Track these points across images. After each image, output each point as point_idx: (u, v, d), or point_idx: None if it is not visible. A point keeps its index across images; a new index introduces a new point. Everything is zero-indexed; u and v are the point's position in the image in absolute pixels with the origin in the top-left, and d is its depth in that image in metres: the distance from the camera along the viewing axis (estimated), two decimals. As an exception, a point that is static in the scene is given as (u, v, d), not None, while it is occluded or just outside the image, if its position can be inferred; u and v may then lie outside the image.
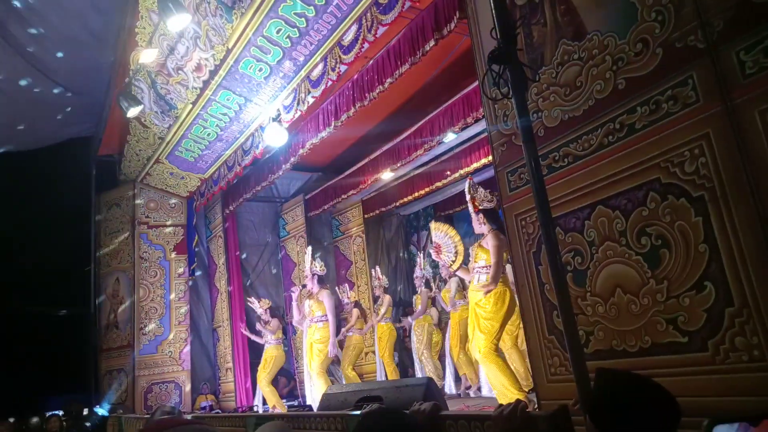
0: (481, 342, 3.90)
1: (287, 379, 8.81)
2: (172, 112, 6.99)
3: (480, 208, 4.21)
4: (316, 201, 9.33)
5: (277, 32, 5.31)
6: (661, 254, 2.23)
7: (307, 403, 6.59)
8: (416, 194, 8.90)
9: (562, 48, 2.71)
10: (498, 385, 3.86)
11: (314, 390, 6.11)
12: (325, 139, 6.56)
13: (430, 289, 7.50)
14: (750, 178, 1.98)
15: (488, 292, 3.92)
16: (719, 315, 2.04)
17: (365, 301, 8.87)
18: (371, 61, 5.48)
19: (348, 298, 7.73)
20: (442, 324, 7.66)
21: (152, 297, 8.47)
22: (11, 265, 9.65)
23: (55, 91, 7.07)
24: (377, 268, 8.16)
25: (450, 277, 6.70)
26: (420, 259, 7.69)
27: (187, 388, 8.38)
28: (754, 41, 1.99)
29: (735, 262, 2.01)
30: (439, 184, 8.39)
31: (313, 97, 5.73)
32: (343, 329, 7.48)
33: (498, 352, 3.98)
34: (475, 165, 7.41)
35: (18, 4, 5.64)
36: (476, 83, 5.03)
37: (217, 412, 7.86)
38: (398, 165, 7.67)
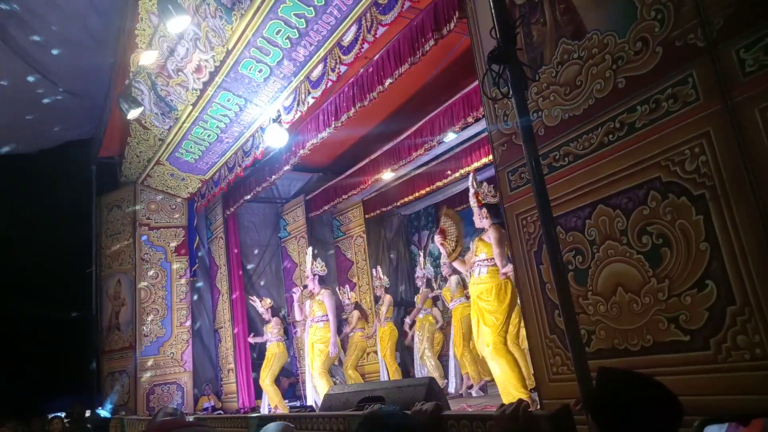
0: (488, 336, 3.89)
1: (288, 378, 8.82)
2: (173, 114, 7.00)
3: (483, 202, 4.23)
4: (316, 201, 9.33)
5: (277, 33, 5.31)
6: (662, 253, 2.23)
7: (309, 403, 6.59)
8: (417, 194, 8.90)
9: (561, 47, 2.71)
10: (504, 383, 3.84)
11: (316, 390, 6.12)
12: (325, 139, 6.57)
13: (432, 289, 7.51)
14: (750, 176, 1.98)
15: (505, 275, 3.93)
16: (721, 313, 2.04)
17: (366, 301, 8.88)
18: (371, 62, 5.48)
19: (348, 299, 7.74)
20: (444, 324, 7.66)
21: (153, 298, 8.47)
22: (13, 267, 9.66)
23: (56, 93, 7.08)
24: (378, 268, 8.16)
25: (450, 276, 6.71)
26: (421, 258, 7.69)
27: (189, 389, 8.39)
28: (754, 39, 1.99)
29: (736, 260, 2.01)
30: (439, 183, 8.40)
31: (313, 97, 5.73)
32: (345, 330, 7.49)
33: (507, 346, 3.96)
34: (476, 164, 7.41)
35: (18, 7, 5.65)
36: (476, 83, 5.03)
37: (220, 413, 7.86)
38: (399, 165, 7.67)
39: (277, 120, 6.28)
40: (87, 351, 8.63)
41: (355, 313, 7.48)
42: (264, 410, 7.30)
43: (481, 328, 3.98)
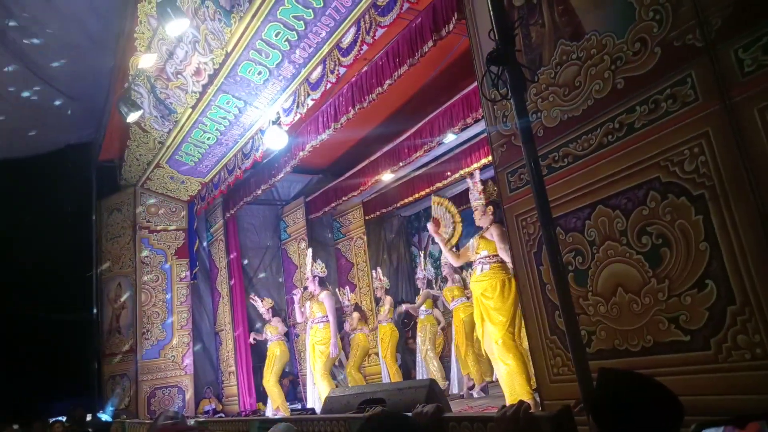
0: (496, 334, 3.87)
1: (287, 377, 8.82)
2: (172, 117, 7.00)
3: (489, 200, 4.25)
4: (316, 203, 9.34)
5: (276, 35, 5.32)
6: (662, 253, 2.23)
7: (310, 405, 6.59)
8: (417, 195, 8.90)
9: (560, 48, 2.71)
10: (511, 381, 3.81)
11: (318, 393, 6.11)
12: (325, 141, 6.57)
13: (432, 289, 7.51)
14: (750, 175, 1.98)
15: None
16: (721, 313, 2.04)
17: (367, 302, 8.88)
18: (370, 63, 5.49)
19: (348, 300, 7.74)
20: (445, 324, 7.65)
21: (154, 301, 8.47)
22: (14, 270, 9.66)
23: (55, 97, 7.09)
24: (378, 269, 8.16)
25: (450, 276, 6.71)
26: (421, 259, 7.68)
27: (190, 392, 8.38)
28: (752, 39, 1.99)
29: (736, 259, 2.01)
30: (439, 184, 8.40)
31: (312, 99, 5.73)
32: (345, 328, 7.49)
33: (516, 342, 3.93)
34: (475, 165, 7.40)
35: (17, 11, 5.66)
36: (475, 84, 5.04)
37: (221, 416, 7.86)
38: (398, 166, 7.68)
39: (277, 122, 6.28)
40: (88, 354, 8.63)
41: (356, 315, 7.48)
42: (269, 412, 7.30)
43: (487, 326, 3.96)
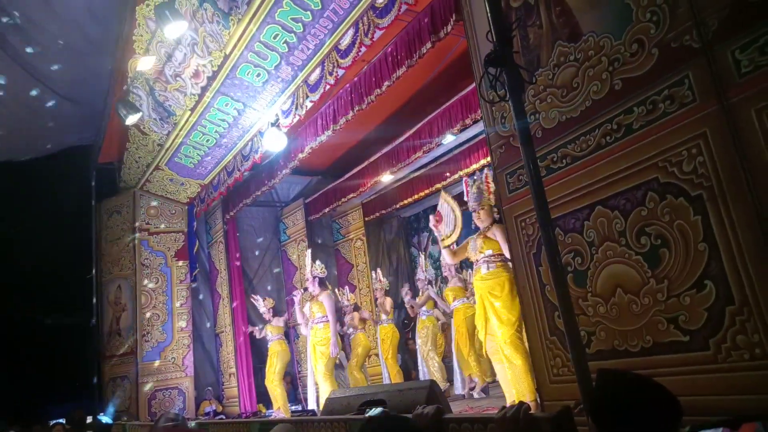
0: (505, 333, 3.85)
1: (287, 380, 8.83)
2: (171, 119, 7.01)
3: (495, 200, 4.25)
4: (316, 204, 9.34)
5: (274, 37, 5.32)
6: (661, 254, 2.23)
7: (311, 407, 6.59)
8: (416, 196, 8.92)
9: (558, 49, 2.72)
10: (518, 380, 3.79)
11: (320, 394, 6.12)
12: (324, 142, 6.58)
13: (433, 288, 7.50)
14: (747, 176, 1.99)
15: None
16: (720, 313, 2.05)
17: (368, 303, 8.88)
18: (369, 65, 5.50)
19: (348, 300, 7.74)
20: (445, 321, 7.63)
21: (154, 303, 8.48)
22: (13, 272, 9.65)
23: (54, 100, 7.09)
24: (378, 270, 8.16)
25: (451, 277, 6.70)
26: (422, 260, 7.68)
27: (191, 394, 8.39)
28: (749, 40, 2.00)
29: (734, 260, 2.02)
30: (438, 185, 8.40)
31: (311, 101, 5.74)
32: (345, 326, 7.49)
33: (523, 341, 3.89)
34: (474, 166, 7.42)
35: (16, 14, 5.66)
36: (474, 85, 5.04)
37: (221, 418, 7.86)
38: (398, 167, 7.69)
39: (276, 124, 6.29)
40: (88, 356, 8.63)
41: (356, 315, 7.49)
42: (274, 412, 7.30)
43: (493, 325, 3.95)
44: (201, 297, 9.42)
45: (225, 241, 9.11)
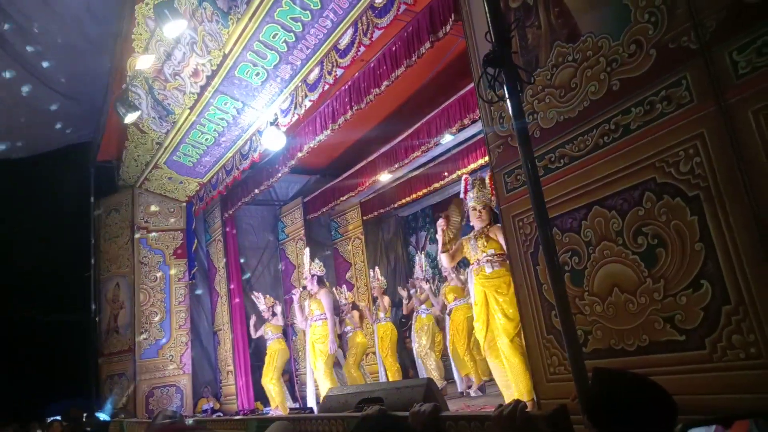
0: (509, 331, 3.86)
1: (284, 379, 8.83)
2: (170, 118, 7.01)
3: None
4: (314, 203, 9.35)
5: (274, 37, 5.33)
6: (658, 253, 2.24)
7: (310, 404, 6.60)
8: (414, 195, 8.94)
9: (556, 50, 2.73)
10: (517, 379, 3.80)
11: (319, 391, 6.13)
12: (323, 142, 6.59)
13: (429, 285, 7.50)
14: (744, 177, 2.00)
15: None
16: (716, 313, 2.06)
17: (365, 302, 8.89)
18: (367, 64, 5.50)
19: (345, 298, 7.74)
20: (442, 317, 7.62)
21: (152, 301, 8.48)
22: (11, 270, 9.65)
23: (53, 98, 7.09)
24: (376, 269, 8.17)
25: (451, 277, 6.70)
26: (422, 259, 7.68)
27: (189, 391, 8.39)
28: (746, 41, 2.01)
29: (731, 260, 2.03)
30: (437, 185, 8.43)
31: (310, 100, 5.75)
32: (346, 328, 7.49)
33: (522, 341, 3.93)
34: (472, 166, 7.44)
35: (15, 13, 5.66)
36: (472, 85, 5.05)
37: (219, 415, 7.86)
38: (396, 167, 7.70)
39: (275, 123, 6.30)
40: (86, 354, 8.63)
41: (355, 314, 7.49)
42: (272, 410, 7.31)
43: (498, 322, 3.95)
44: (199, 295, 9.42)
45: (223, 239, 9.11)
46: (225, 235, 9.14)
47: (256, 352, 8.67)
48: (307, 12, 4.99)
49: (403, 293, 7.88)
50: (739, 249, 2.00)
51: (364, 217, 9.59)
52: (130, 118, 6.54)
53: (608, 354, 2.40)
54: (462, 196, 4.48)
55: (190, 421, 4.70)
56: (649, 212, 2.29)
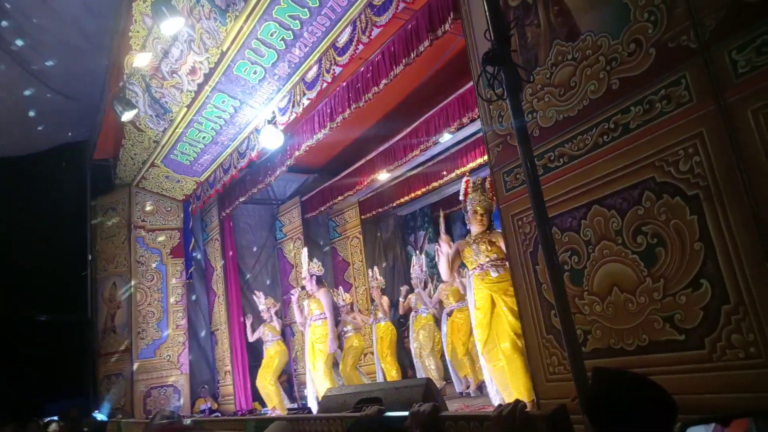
0: (518, 329, 3.87)
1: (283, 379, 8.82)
2: (167, 116, 6.99)
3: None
4: (312, 202, 9.33)
5: (272, 35, 5.31)
6: (657, 253, 2.24)
7: (309, 404, 6.58)
8: (413, 195, 8.92)
9: (555, 49, 2.72)
10: (520, 379, 3.83)
11: (318, 391, 6.11)
12: (321, 140, 6.57)
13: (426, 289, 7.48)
14: (743, 176, 1.99)
15: None
16: (715, 312, 2.06)
17: (364, 302, 8.88)
18: (366, 63, 5.49)
19: (343, 300, 7.72)
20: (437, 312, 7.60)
21: (149, 301, 8.46)
22: (8, 270, 9.62)
23: (50, 96, 7.06)
24: (375, 268, 8.16)
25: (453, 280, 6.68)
26: (422, 259, 7.66)
27: (186, 391, 8.37)
28: (746, 41, 2.00)
29: (730, 259, 2.02)
30: (435, 184, 8.41)
31: (308, 99, 5.73)
32: (345, 328, 7.48)
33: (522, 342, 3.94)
34: (471, 165, 7.42)
35: (11, 11, 5.63)
36: (471, 83, 5.05)
37: (217, 416, 7.85)
38: (394, 165, 7.69)
39: (273, 121, 6.28)
40: (83, 354, 8.61)
41: (357, 315, 7.49)
42: (270, 411, 7.30)
43: (508, 322, 3.96)
44: (196, 295, 9.40)
45: (221, 238, 9.09)
46: (222, 234, 9.12)
47: (254, 352, 8.65)
48: (306, 10, 4.97)
49: (402, 290, 7.87)
50: (738, 248, 2.00)
51: (363, 216, 9.58)
52: (127, 116, 6.52)
53: (608, 353, 2.40)
54: (461, 198, 4.47)
55: (187, 422, 4.69)
56: (648, 211, 2.28)
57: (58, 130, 8.16)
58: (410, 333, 7.52)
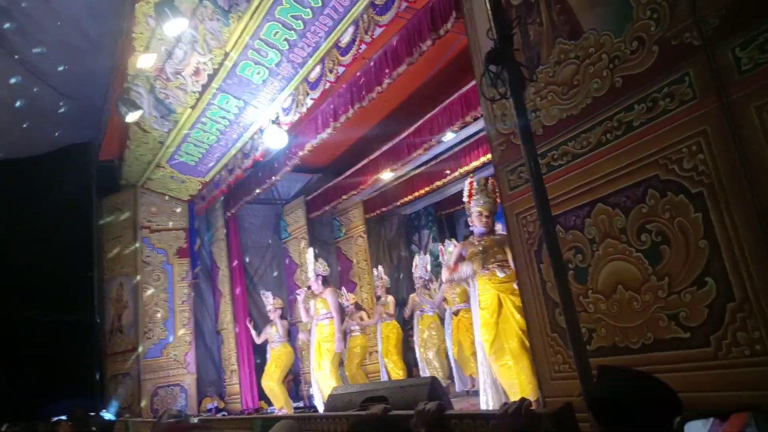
0: (522, 330, 3.89)
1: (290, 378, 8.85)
2: (172, 117, 7.01)
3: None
4: (317, 202, 9.35)
5: (275, 35, 5.32)
6: (662, 250, 2.24)
7: (315, 403, 6.61)
8: (416, 194, 8.93)
9: (558, 47, 2.72)
10: (522, 379, 3.85)
11: (325, 391, 6.13)
12: (324, 140, 6.58)
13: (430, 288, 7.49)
14: (747, 173, 1.99)
15: None
16: (720, 310, 2.05)
17: (368, 301, 8.89)
18: (369, 62, 5.50)
19: (347, 300, 7.74)
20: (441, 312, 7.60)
21: (156, 301, 8.50)
22: (15, 271, 9.68)
23: (55, 97, 7.10)
24: (380, 267, 8.17)
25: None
26: (426, 258, 7.67)
27: (193, 391, 8.41)
28: (749, 37, 2.00)
29: (735, 257, 2.02)
30: (439, 183, 8.42)
31: (311, 99, 5.75)
32: (352, 326, 7.50)
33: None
34: (475, 163, 7.43)
35: (16, 13, 5.66)
36: (474, 82, 5.04)
37: (223, 415, 7.89)
38: (398, 165, 7.70)
39: (276, 122, 6.30)
40: (90, 354, 8.66)
41: (363, 314, 7.51)
42: (277, 410, 7.33)
43: (516, 321, 3.96)
44: (202, 294, 9.44)
45: (226, 238, 9.12)
46: (227, 234, 9.15)
47: (260, 351, 8.68)
48: (308, 10, 4.98)
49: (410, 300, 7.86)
50: (743, 246, 2.00)
51: (367, 216, 9.59)
52: (131, 117, 6.54)
53: (613, 352, 2.40)
54: (465, 199, 4.47)
55: (194, 420, 4.72)
56: (652, 209, 2.28)
57: (64, 131, 8.19)
58: (415, 332, 7.53)
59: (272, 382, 7.23)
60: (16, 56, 6.29)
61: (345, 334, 7.25)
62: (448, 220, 10.84)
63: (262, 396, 8.23)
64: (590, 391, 1.71)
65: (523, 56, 2.86)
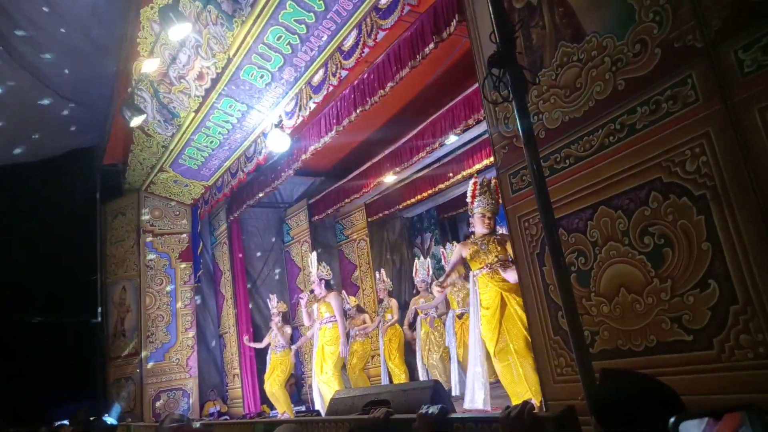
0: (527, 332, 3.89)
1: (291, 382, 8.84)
2: (175, 121, 7.03)
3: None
4: (319, 205, 9.36)
5: (278, 39, 5.34)
6: (665, 253, 2.23)
7: (317, 407, 6.59)
8: (419, 197, 8.93)
9: (561, 50, 2.73)
10: (524, 382, 3.84)
11: (328, 394, 6.12)
12: (327, 143, 6.59)
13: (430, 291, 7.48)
14: (751, 175, 1.99)
15: None
16: (724, 313, 2.05)
17: (371, 304, 8.89)
18: (372, 66, 5.51)
19: (348, 304, 7.73)
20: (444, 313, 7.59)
21: (158, 305, 8.50)
22: (18, 275, 9.70)
23: (59, 102, 7.13)
24: (382, 271, 8.16)
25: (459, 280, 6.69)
26: (427, 262, 7.65)
27: (195, 394, 8.41)
28: (752, 39, 2.00)
29: (738, 259, 2.02)
30: (441, 186, 8.42)
31: (314, 102, 5.76)
32: (354, 330, 7.49)
33: None
34: (477, 166, 7.42)
35: (21, 19, 5.69)
36: (476, 85, 5.05)
37: (226, 419, 7.88)
38: (401, 168, 7.70)
39: (279, 125, 6.31)
40: (93, 358, 8.66)
41: (366, 316, 7.50)
42: (280, 414, 7.32)
43: (521, 321, 3.95)
44: (205, 298, 9.44)
45: (229, 242, 9.13)
46: (230, 237, 9.15)
47: (262, 355, 8.68)
48: (311, 14, 4.99)
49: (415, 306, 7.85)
50: (746, 248, 1.99)
51: (369, 219, 9.58)
52: (135, 121, 6.56)
53: (615, 354, 2.39)
54: (469, 199, 4.48)
55: (197, 424, 4.71)
56: (655, 212, 2.28)
57: (67, 135, 8.22)
58: (418, 335, 7.51)
59: (274, 387, 7.22)
60: (22, 62, 6.32)
61: (348, 338, 7.25)
62: (450, 223, 10.85)
63: (264, 400, 8.22)
64: (593, 394, 1.70)
65: (526, 59, 2.87)
